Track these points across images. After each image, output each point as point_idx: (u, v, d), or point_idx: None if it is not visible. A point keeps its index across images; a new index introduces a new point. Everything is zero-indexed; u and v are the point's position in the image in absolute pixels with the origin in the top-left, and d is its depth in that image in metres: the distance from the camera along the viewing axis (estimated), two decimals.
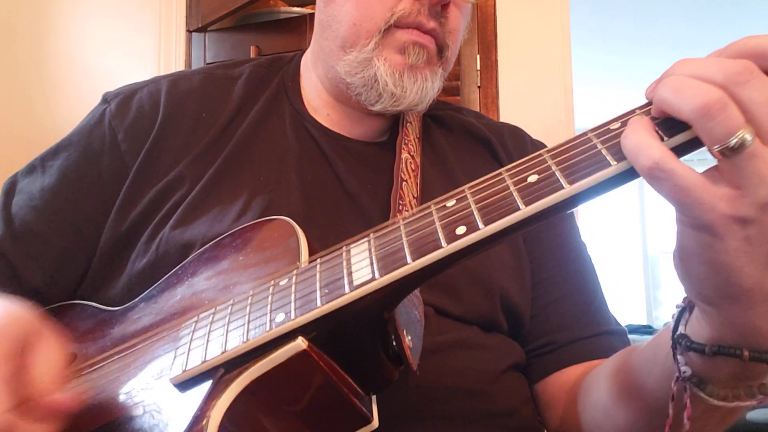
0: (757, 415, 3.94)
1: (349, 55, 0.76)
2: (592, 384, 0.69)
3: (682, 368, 0.47)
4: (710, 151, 0.38)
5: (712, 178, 0.39)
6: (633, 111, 0.45)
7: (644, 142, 0.39)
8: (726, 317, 0.43)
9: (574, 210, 0.88)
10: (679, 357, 0.47)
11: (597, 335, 0.78)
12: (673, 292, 5.88)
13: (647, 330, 5.36)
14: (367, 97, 0.77)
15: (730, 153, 0.38)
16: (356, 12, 0.75)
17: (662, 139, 0.41)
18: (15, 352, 0.48)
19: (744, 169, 0.38)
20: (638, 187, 6.09)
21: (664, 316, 5.77)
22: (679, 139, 0.41)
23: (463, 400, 0.68)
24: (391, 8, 0.74)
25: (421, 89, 0.75)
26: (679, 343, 0.47)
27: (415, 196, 0.74)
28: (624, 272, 5.87)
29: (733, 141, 0.37)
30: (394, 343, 0.51)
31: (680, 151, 0.41)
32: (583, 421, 0.69)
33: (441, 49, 0.77)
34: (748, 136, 0.37)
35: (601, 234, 5.87)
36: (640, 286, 5.96)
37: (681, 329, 0.49)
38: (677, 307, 0.51)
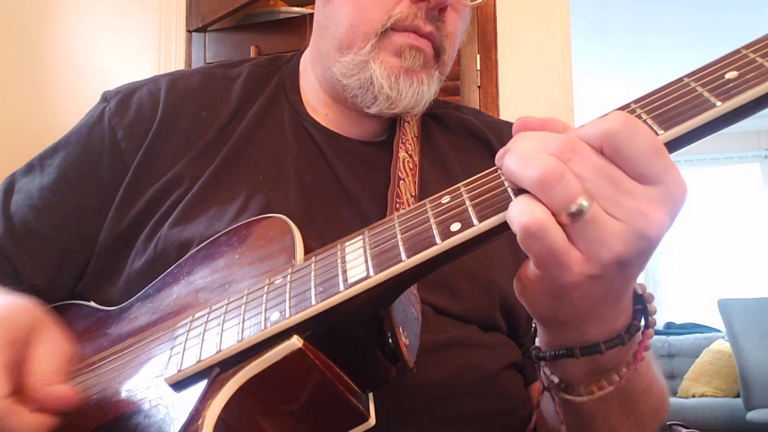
0: (757, 415, 3.93)
1: (345, 57, 0.76)
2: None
3: (551, 377, 0.53)
4: (557, 218, 0.40)
5: (570, 241, 0.42)
6: (628, 105, 0.45)
7: (530, 204, 0.41)
8: (560, 334, 0.50)
9: None
10: (544, 369, 0.53)
11: None
12: (672, 292, 5.87)
13: None
14: (362, 99, 0.77)
15: (573, 219, 0.40)
16: (353, 14, 0.75)
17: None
18: (19, 341, 0.49)
19: (587, 233, 0.40)
20: None
21: (664, 316, 5.76)
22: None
23: (462, 398, 0.67)
24: (387, 11, 0.74)
25: (417, 92, 0.75)
26: (534, 354, 0.53)
27: (413, 194, 0.74)
28: None
29: (573, 207, 0.40)
30: (390, 341, 0.51)
31: None
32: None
33: (438, 53, 0.77)
34: (585, 203, 0.40)
35: None
36: None
37: (537, 342, 0.55)
38: (533, 324, 0.56)
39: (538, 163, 0.40)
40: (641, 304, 0.51)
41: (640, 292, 0.51)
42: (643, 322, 0.50)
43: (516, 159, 0.42)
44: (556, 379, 0.54)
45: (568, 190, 0.40)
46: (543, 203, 0.41)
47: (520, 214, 0.41)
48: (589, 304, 0.45)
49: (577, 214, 0.40)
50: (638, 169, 0.41)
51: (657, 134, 0.42)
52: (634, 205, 0.40)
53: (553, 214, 0.40)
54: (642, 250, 0.41)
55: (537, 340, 0.55)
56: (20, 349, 0.49)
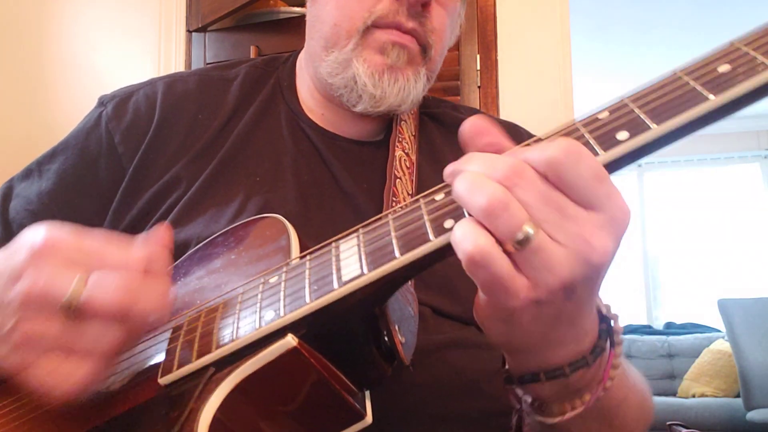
0: (757, 415, 3.93)
1: (330, 56, 0.76)
2: None
3: (524, 398, 0.54)
4: (502, 246, 0.41)
5: (516, 267, 0.42)
6: (621, 100, 0.45)
7: (474, 231, 0.41)
8: (522, 359, 0.51)
9: None
10: (517, 390, 0.54)
11: None
12: (673, 292, 5.87)
13: (647, 330, 5.35)
14: (348, 98, 0.77)
15: (519, 246, 0.40)
16: (336, 12, 0.75)
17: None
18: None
19: (532, 260, 0.41)
20: (638, 187, 6.09)
21: (664, 316, 5.76)
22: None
23: (460, 399, 0.67)
24: (369, 8, 0.73)
25: (403, 89, 0.75)
26: (504, 378, 0.54)
27: (410, 192, 0.74)
28: (624, 272, 5.87)
29: (519, 235, 0.40)
30: (386, 339, 0.51)
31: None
32: None
33: (425, 49, 0.76)
34: (531, 230, 0.40)
35: None
36: (640, 286, 5.95)
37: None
38: None
39: (485, 192, 0.41)
40: (607, 324, 0.51)
41: (604, 312, 0.51)
42: (608, 343, 0.51)
43: (464, 185, 0.42)
44: (528, 399, 0.54)
45: (513, 220, 0.40)
46: (488, 230, 0.41)
47: (464, 240, 0.41)
48: (541, 328, 0.46)
49: (523, 242, 0.40)
50: (582, 196, 0.41)
51: (650, 127, 0.42)
52: (578, 231, 0.41)
53: (499, 242, 0.41)
54: (588, 275, 0.42)
55: (506, 363, 0.55)
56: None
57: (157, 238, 0.51)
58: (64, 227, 0.49)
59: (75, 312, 0.44)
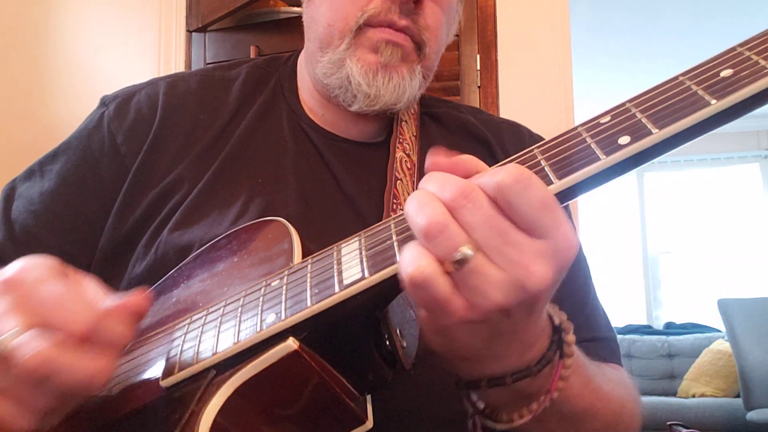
0: (757, 415, 3.93)
1: (325, 57, 0.76)
2: None
3: (477, 403, 0.54)
4: (442, 266, 0.41)
5: (455, 287, 0.42)
6: (623, 104, 0.45)
7: (417, 253, 0.42)
8: (464, 367, 0.51)
9: (572, 210, 0.88)
10: (472, 395, 0.54)
11: (582, 342, 0.77)
12: (673, 292, 5.87)
13: (647, 330, 5.35)
14: (344, 98, 0.76)
15: (457, 266, 0.41)
16: (329, 13, 0.75)
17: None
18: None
19: (469, 281, 0.41)
20: (638, 187, 6.08)
21: (664, 316, 5.76)
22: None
23: (460, 401, 0.67)
24: (361, 7, 0.73)
25: (398, 87, 0.74)
26: (454, 382, 0.54)
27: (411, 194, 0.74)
28: (624, 272, 5.87)
29: (457, 256, 0.41)
30: (387, 343, 0.51)
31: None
32: None
33: (419, 46, 0.76)
34: (469, 252, 0.41)
35: (601, 234, 5.86)
36: (640, 286, 5.95)
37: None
38: None
39: (425, 214, 0.42)
40: (558, 334, 0.51)
41: (557, 322, 0.51)
42: (558, 354, 0.51)
43: (411, 206, 0.43)
44: (482, 405, 0.55)
45: (449, 242, 0.41)
46: (429, 251, 0.42)
47: (408, 263, 0.42)
48: (479, 344, 0.46)
49: (461, 263, 0.41)
50: (527, 223, 0.41)
51: (652, 132, 0.42)
52: (519, 257, 0.41)
53: (440, 261, 0.41)
54: (524, 301, 0.42)
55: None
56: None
57: (123, 305, 0.48)
58: (44, 265, 0.48)
59: (5, 360, 0.43)
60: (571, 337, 0.51)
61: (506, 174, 0.42)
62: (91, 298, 0.47)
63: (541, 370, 0.50)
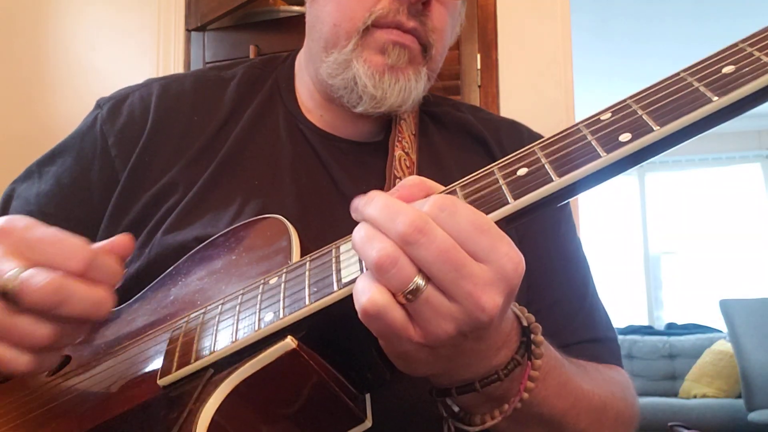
0: (759, 416, 3.93)
1: (330, 57, 0.75)
2: None
3: (452, 406, 0.55)
4: (395, 297, 0.42)
5: (409, 317, 0.43)
6: (624, 101, 0.45)
7: (369, 284, 0.43)
8: (433, 378, 0.52)
9: (571, 210, 0.88)
10: (447, 400, 0.55)
11: (581, 342, 0.77)
12: (674, 293, 5.86)
13: (648, 330, 5.35)
14: (348, 99, 0.76)
15: (411, 297, 0.42)
16: (336, 13, 0.75)
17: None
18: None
19: (422, 312, 0.42)
20: (639, 186, 6.08)
21: (665, 316, 5.75)
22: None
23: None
24: (369, 8, 0.73)
25: (404, 90, 0.74)
26: (429, 388, 0.55)
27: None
28: (625, 272, 5.86)
29: (411, 287, 0.42)
30: None
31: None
32: None
33: (425, 48, 0.75)
34: (421, 283, 0.42)
35: (602, 234, 5.86)
36: (641, 286, 5.94)
37: None
38: None
39: (375, 247, 0.42)
40: (526, 336, 0.51)
41: (525, 324, 0.51)
42: (526, 356, 0.51)
43: (360, 236, 0.44)
44: (456, 408, 0.55)
45: (401, 276, 0.41)
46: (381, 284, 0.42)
47: (361, 293, 0.43)
48: (442, 363, 0.47)
49: (414, 293, 0.41)
50: (468, 249, 0.42)
51: (653, 129, 0.41)
52: (470, 289, 0.41)
53: (392, 293, 0.42)
54: (477, 328, 0.43)
55: None
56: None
57: (110, 245, 0.53)
58: (24, 219, 0.51)
59: (12, 300, 0.46)
60: (539, 338, 0.51)
61: (430, 205, 0.42)
62: (79, 240, 0.50)
63: (510, 373, 0.50)
